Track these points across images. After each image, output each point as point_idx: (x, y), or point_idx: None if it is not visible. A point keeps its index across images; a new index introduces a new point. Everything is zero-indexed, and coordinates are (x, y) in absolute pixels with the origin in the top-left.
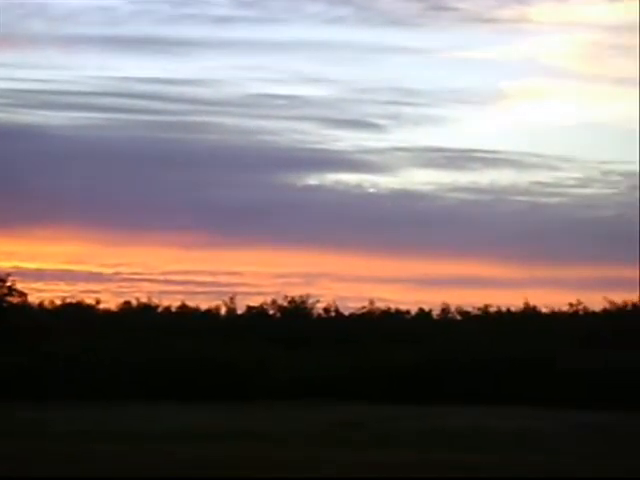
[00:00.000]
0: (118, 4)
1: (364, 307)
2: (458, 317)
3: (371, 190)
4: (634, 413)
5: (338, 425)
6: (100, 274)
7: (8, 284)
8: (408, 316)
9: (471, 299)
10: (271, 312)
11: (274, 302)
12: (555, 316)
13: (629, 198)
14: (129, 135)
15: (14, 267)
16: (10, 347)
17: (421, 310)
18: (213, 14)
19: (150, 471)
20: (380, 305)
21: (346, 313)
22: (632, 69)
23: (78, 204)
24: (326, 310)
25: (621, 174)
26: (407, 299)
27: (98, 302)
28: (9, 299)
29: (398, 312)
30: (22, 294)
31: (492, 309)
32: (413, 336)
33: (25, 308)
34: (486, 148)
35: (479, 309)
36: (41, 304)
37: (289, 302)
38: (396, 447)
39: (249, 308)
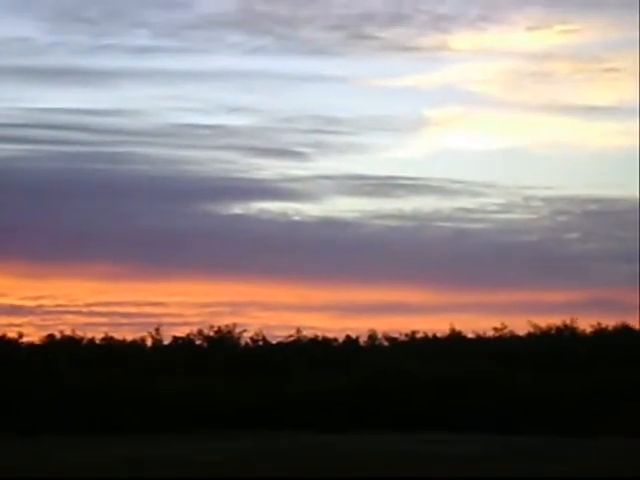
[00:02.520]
0: (36, 35)
1: (291, 335)
2: (385, 343)
3: (296, 218)
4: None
5: (259, 454)
6: (22, 307)
7: None
8: (336, 343)
9: (398, 325)
10: (198, 342)
11: (200, 332)
12: (480, 340)
13: (550, 223)
14: (51, 167)
15: None
16: None
17: (348, 337)
18: (133, 44)
19: None
20: (307, 333)
21: (274, 342)
22: (551, 96)
23: None
24: (253, 339)
25: (542, 199)
26: (334, 326)
27: (21, 335)
28: None
29: (325, 340)
30: None
31: (419, 335)
32: (340, 363)
33: None
34: (409, 175)
35: (406, 335)
36: None
37: (215, 332)
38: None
39: (175, 338)
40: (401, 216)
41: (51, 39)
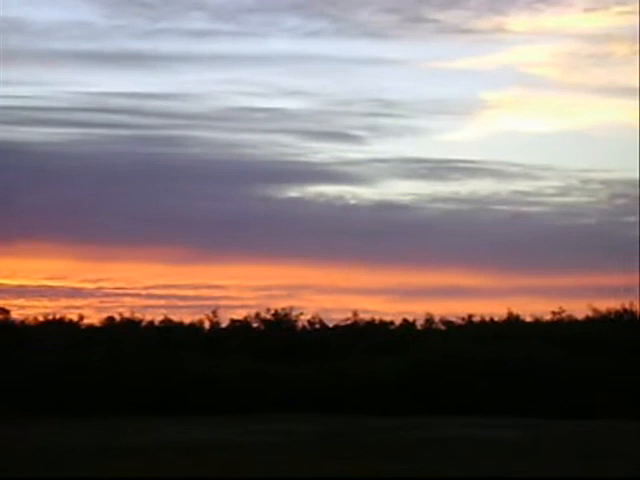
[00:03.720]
0: (95, 19)
1: (348, 318)
2: (442, 327)
3: (352, 202)
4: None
5: (323, 437)
6: (82, 290)
7: None
8: (392, 327)
9: (454, 309)
10: (255, 325)
11: (257, 315)
12: (538, 324)
13: (609, 206)
14: (109, 150)
15: None
16: None
17: (405, 321)
18: (191, 28)
19: None
20: (364, 316)
21: (330, 325)
22: (609, 77)
23: (59, 220)
24: (310, 322)
25: (601, 182)
26: (391, 310)
27: (81, 318)
28: None
29: (382, 323)
30: (4, 311)
31: (475, 318)
32: (398, 346)
33: (7, 325)
34: (466, 158)
35: (462, 319)
36: (24, 321)
37: (273, 315)
38: (383, 459)
39: (232, 321)
40: (458, 199)
41: (110, 23)
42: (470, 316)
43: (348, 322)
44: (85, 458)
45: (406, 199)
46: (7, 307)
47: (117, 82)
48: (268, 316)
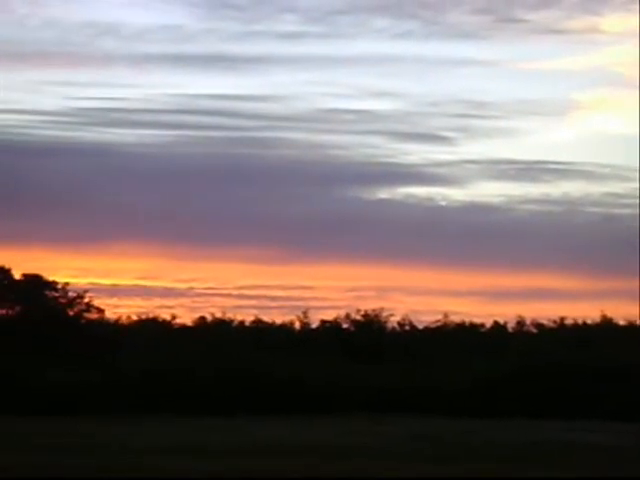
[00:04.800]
0: (187, 22)
1: (438, 320)
2: (533, 330)
3: (442, 203)
4: None
5: (410, 439)
6: (174, 289)
7: (85, 300)
8: (483, 329)
9: (546, 311)
10: (345, 326)
11: (348, 316)
12: (632, 327)
13: None
14: (200, 152)
15: (90, 284)
16: (87, 362)
17: (496, 323)
18: (282, 30)
19: None
20: (454, 318)
21: (420, 327)
22: None
23: (151, 220)
24: (400, 324)
25: None
26: (481, 312)
27: (174, 317)
28: (86, 315)
29: (472, 325)
30: (99, 310)
31: (568, 321)
32: (488, 349)
33: (102, 324)
34: (557, 159)
35: (555, 322)
36: (117, 320)
37: (363, 316)
38: (473, 461)
39: (323, 322)
40: (549, 201)
41: (202, 26)
42: (562, 319)
43: (438, 324)
44: (174, 458)
45: (496, 200)
46: (102, 306)
47: (208, 84)
48: (358, 317)
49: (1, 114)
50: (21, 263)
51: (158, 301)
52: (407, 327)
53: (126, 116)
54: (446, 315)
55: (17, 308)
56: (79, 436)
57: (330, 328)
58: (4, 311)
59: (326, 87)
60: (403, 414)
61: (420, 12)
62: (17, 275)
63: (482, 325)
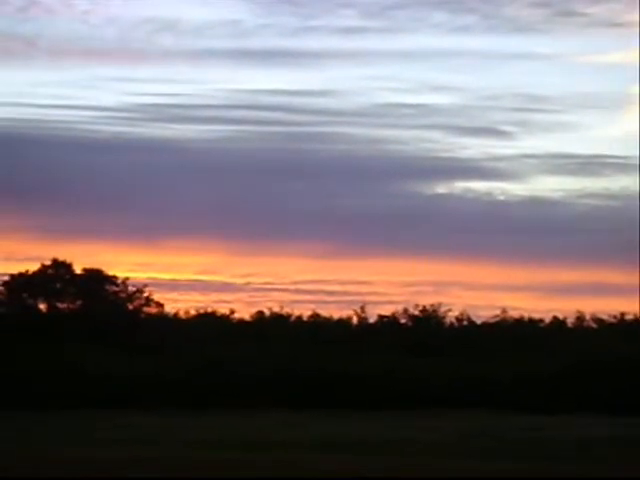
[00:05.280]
0: (245, 17)
1: (497, 316)
2: (593, 325)
3: (500, 197)
4: None
5: (467, 435)
6: (232, 284)
7: (145, 295)
8: (542, 324)
9: (606, 306)
10: (403, 321)
11: (405, 311)
12: None
13: None
14: (258, 147)
15: (149, 278)
16: (147, 356)
17: (555, 318)
18: (340, 25)
19: None
20: (513, 314)
21: (478, 322)
22: None
23: (210, 216)
24: (458, 319)
25: None
26: (540, 307)
27: (232, 312)
28: (146, 309)
29: (531, 321)
30: (158, 304)
31: (629, 317)
32: (547, 345)
33: (161, 318)
34: (616, 153)
35: (615, 317)
36: (176, 314)
37: (421, 311)
38: (531, 458)
39: (380, 317)
40: (608, 195)
41: (260, 21)
42: (622, 314)
43: (496, 319)
44: (238, 453)
45: (555, 195)
46: (161, 301)
47: (267, 80)
48: (416, 312)
49: (64, 110)
50: (82, 258)
51: (216, 296)
52: (465, 322)
53: (185, 112)
54: (504, 310)
55: (78, 302)
56: (154, 428)
57: (388, 323)
58: (65, 305)
59: (384, 82)
60: (460, 409)
61: (479, 6)
62: (78, 269)
63: (541, 320)
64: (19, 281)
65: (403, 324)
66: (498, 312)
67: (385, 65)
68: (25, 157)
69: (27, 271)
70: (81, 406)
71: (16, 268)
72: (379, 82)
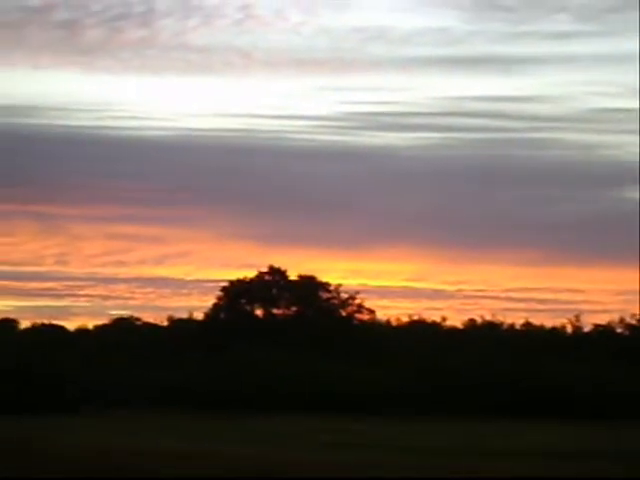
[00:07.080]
0: (455, 24)
1: None
2: None
3: None
4: None
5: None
6: (443, 291)
7: (357, 302)
8: None
9: None
10: (619, 330)
11: (622, 320)
12: None
13: None
14: (469, 154)
15: (360, 285)
16: (361, 363)
17: None
18: (552, 30)
19: None
20: None
21: None
22: None
23: (420, 223)
24: None
25: None
26: None
27: (444, 319)
28: (358, 316)
29: None
30: (370, 311)
31: None
32: None
33: (373, 325)
34: None
35: None
36: (388, 321)
37: (638, 320)
38: None
39: (596, 326)
40: None
41: (470, 28)
42: None
43: None
44: (437, 458)
45: None
46: (372, 307)
47: (477, 86)
48: (633, 321)
49: (279, 120)
50: (296, 264)
51: (426, 303)
52: None
53: (395, 120)
54: None
55: (293, 308)
56: (377, 435)
57: (603, 332)
58: (280, 311)
59: (597, 86)
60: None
61: None
62: (293, 276)
63: None
64: (237, 287)
65: (619, 333)
66: None
67: (599, 69)
68: (239, 166)
69: (244, 277)
70: (300, 409)
71: (234, 275)
72: (592, 87)
